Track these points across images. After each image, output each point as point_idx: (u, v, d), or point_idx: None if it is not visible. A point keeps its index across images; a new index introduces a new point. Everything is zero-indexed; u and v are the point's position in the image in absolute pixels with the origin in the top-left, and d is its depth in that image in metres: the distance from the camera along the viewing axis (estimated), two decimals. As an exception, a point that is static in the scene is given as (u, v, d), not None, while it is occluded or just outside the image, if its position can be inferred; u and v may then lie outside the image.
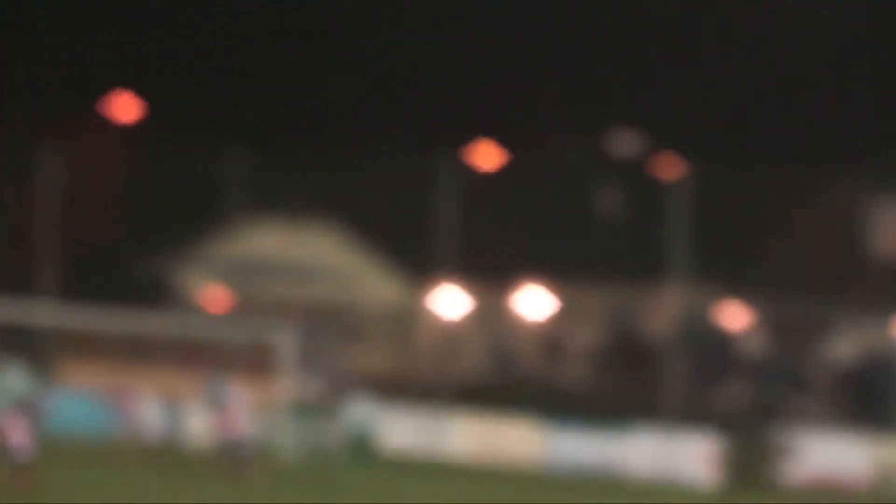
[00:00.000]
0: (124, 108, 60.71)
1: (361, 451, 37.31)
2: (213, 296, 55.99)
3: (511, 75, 66.02)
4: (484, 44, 66.00)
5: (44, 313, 45.33)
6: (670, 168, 52.53)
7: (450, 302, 53.07)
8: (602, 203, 59.41)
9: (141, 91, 61.69)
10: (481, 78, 66.37)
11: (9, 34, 64.11)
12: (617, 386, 50.61)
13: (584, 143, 63.01)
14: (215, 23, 68.11)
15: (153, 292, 53.96)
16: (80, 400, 42.53)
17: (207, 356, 43.51)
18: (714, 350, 51.94)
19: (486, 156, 57.00)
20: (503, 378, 53.95)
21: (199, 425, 40.57)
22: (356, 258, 56.20)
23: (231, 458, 32.05)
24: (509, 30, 67.13)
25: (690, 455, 39.25)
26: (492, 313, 56.01)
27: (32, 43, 65.39)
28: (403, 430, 41.73)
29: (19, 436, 29.73)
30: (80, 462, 34.03)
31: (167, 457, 36.36)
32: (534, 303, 55.59)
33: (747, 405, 49.28)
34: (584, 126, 62.54)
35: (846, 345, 52.70)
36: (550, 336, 56.21)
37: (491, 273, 53.55)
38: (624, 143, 62.02)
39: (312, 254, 54.06)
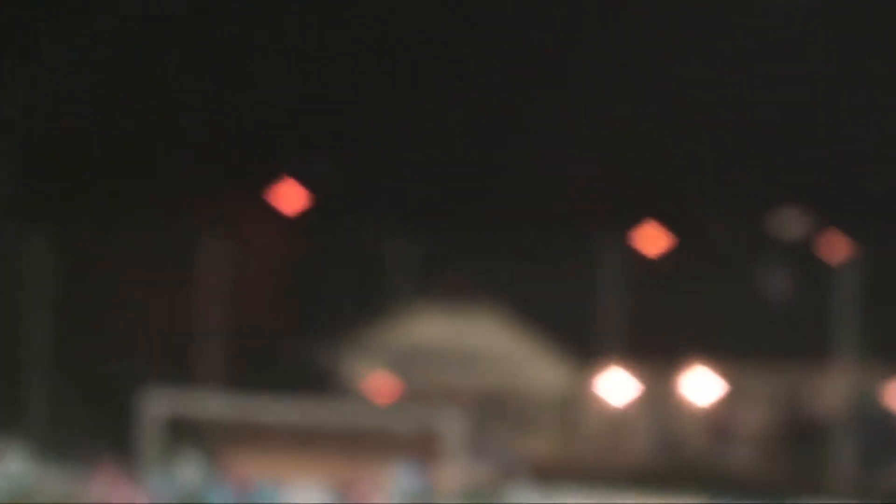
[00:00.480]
0: (289, 196, 67.88)
1: None
2: (379, 383, 61.17)
3: (678, 157, 68.75)
4: (650, 126, 68.72)
5: (211, 404, 49.65)
6: (837, 247, 56.75)
7: (616, 386, 57.60)
8: (768, 283, 62.86)
9: (304, 178, 69.31)
10: (646, 160, 68.65)
11: (165, 124, 68.46)
12: (785, 466, 54.85)
13: (749, 223, 65.71)
14: (376, 106, 72.09)
15: (319, 381, 60.38)
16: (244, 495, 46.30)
17: (373, 444, 47.67)
18: (883, 429, 54.46)
19: (652, 239, 61.86)
20: (670, 462, 57.62)
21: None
22: (521, 343, 60.79)
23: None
24: (672, 112, 68.08)
25: (860, 535, 42.71)
26: (658, 397, 60.33)
27: (192, 131, 70.03)
28: (569, 514, 49.63)
29: None
30: None
31: None
32: (700, 386, 59.25)
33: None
34: (749, 205, 66.07)
35: None
36: (717, 419, 60.88)
37: (657, 357, 57.85)
38: (789, 222, 65.17)
39: (477, 340, 59.40)
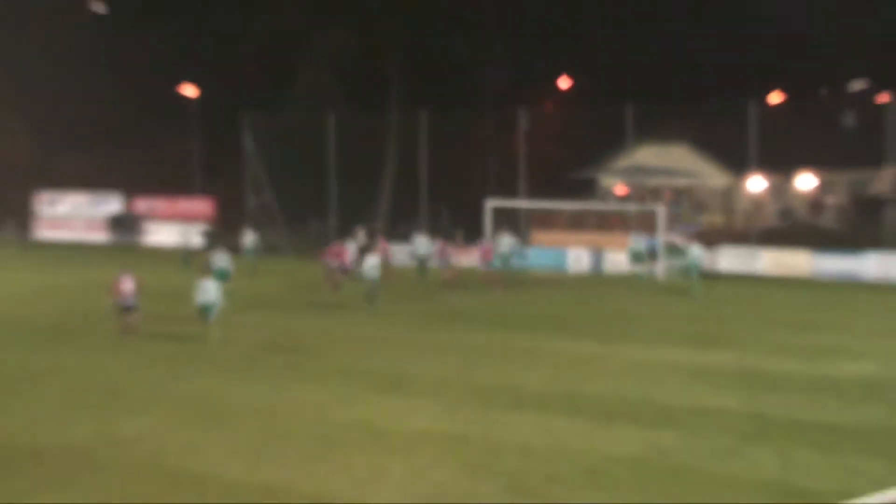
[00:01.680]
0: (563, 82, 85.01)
1: (697, 272, 45.76)
2: (619, 188, 71.55)
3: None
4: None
5: (522, 203, 60.05)
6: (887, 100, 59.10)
7: (755, 184, 64.06)
8: (845, 122, 72.99)
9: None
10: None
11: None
12: (855, 227, 61.51)
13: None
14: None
15: (587, 188, 72.30)
16: (542, 252, 58.31)
17: (617, 222, 58.88)
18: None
19: (776, 98, 70.63)
20: (786, 225, 65.64)
21: (611, 264, 55.40)
22: (704, 163, 70.91)
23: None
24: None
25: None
26: (780, 189, 70.25)
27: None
28: (728, 260, 54.02)
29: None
30: (541, 284, 52.02)
31: (591, 282, 53.37)
32: (805, 181, 69.54)
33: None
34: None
35: None
36: (814, 199, 70.23)
37: (779, 167, 65.71)
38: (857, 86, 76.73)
39: (676, 160, 69.01)
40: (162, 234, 74.66)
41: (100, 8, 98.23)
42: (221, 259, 44.14)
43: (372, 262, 41.85)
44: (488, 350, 32.49)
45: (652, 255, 52.76)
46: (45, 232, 78.77)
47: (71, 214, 79.72)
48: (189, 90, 78.25)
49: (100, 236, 75.69)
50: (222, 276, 41.00)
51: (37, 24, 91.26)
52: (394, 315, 39.94)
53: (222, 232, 62.99)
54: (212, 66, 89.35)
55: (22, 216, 78.27)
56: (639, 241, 53.19)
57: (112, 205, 77.48)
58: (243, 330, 36.23)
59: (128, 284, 34.42)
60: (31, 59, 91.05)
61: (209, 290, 32.22)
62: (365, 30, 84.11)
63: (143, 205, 77.31)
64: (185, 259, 55.04)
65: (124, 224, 75.38)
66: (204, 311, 32.58)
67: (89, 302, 40.70)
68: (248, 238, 56.64)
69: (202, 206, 76.02)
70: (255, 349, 32.59)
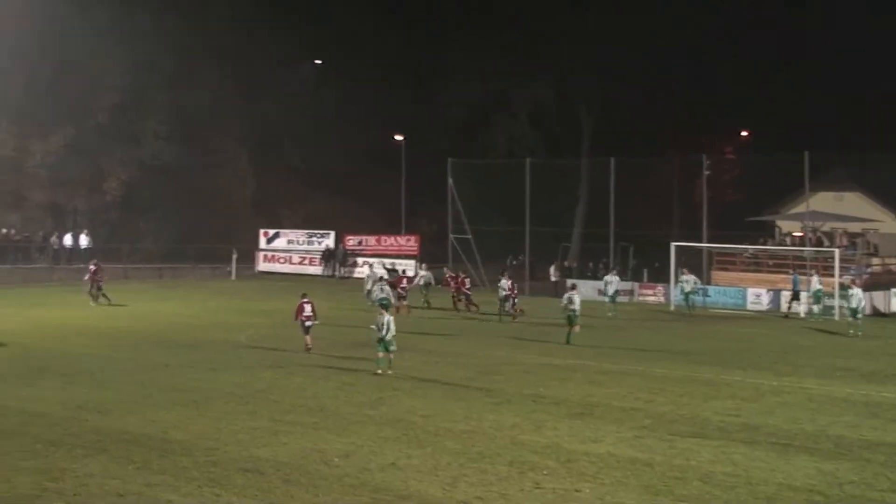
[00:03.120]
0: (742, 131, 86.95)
1: (860, 311, 46.30)
2: (795, 231, 68.39)
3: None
4: None
5: (704, 244, 62.33)
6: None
7: None
8: None
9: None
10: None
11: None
12: None
13: None
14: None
15: (765, 230, 70.82)
16: (722, 290, 60.12)
17: (792, 263, 59.15)
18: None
19: None
20: None
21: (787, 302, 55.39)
22: (877, 209, 69.11)
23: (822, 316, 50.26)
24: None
25: None
26: None
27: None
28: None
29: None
30: (721, 320, 52.51)
31: (768, 319, 53.88)
32: None
33: None
34: None
35: None
36: None
37: None
38: None
39: (850, 206, 67.00)
40: (366, 268, 73.58)
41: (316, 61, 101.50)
42: (384, 290, 48.00)
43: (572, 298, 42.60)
44: (671, 381, 32.46)
45: (819, 295, 53.43)
46: (265, 264, 78.67)
47: (289, 249, 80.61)
48: (399, 138, 79.70)
49: (314, 269, 76.68)
50: (383, 305, 43.37)
51: (270, 73, 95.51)
52: (584, 347, 40.10)
53: (395, 270, 64.93)
54: (420, 117, 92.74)
55: (246, 249, 79.64)
56: (815, 282, 54.01)
57: (326, 241, 77.31)
58: (439, 356, 37.41)
59: (307, 308, 37.42)
60: (262, 108, 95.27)
61: (385, 322, 32.35)
62: (560, 83, 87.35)
63: (352, 241, 76.40)
64: (368, 294, 54.08)
65: (335, 258, 74.67)
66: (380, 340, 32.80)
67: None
68: (423, 274, 58.22)
69: (406, 242, 77.36)
70: (452, 375, 32.07)
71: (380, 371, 31.90)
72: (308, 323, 37.16)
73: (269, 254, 79.39)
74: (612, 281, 54.44)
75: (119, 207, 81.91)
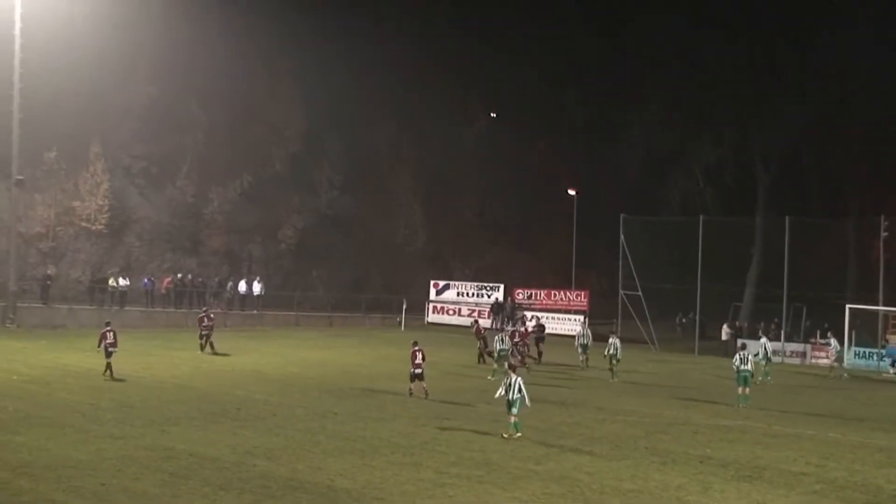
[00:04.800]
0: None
1: None
2: None
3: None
4: None
5: (881, 307, 61.23)
6: None
7: None
8: None
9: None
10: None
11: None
12: None
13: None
14: None
15: None
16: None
17: None
18: None
19: None
20: None
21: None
22: None
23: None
24: None
25: None
26: None
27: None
28: None
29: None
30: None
31: None
32: None
33: None
34: None
35: None
36: None
37: None
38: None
39: None
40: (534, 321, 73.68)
41: (493, 112, 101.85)
42: (504, 341, 49.33)
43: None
44: (844, 446, 32.12)
45: None
46: (434, 315, 79.61)
47: (458, 301, 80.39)
48: (572, 192, 78.53)
49: (483, 321, 76.71)
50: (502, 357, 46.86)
51: (445, 124, 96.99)
52: (754, 408, 40.29)
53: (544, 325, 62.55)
54: (594, 171, 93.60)
55: (416, 300, 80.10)
56: None
57: (495, 294, 77.82)
58: (607, 413, 37.60)
59: (418, 356, 39.85)
60: (436, 159, 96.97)
61: (511, 383, 31.61)
62: (738, 139, 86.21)
63: (522, 294, 76.94)
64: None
65: (504, 311, 75.27)
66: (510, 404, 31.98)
67: (470, 381, 41.41)
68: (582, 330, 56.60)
69: (576, 297, 78.09)
70: (619, 433, 32.03)
71: (505, 435, 30.99)
72: (417, 371, 39.63)
73: (439, 305, 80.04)
74: (765, 343, 54.31)
75: (293, 255, 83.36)
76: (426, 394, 39.11)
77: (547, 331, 60.83)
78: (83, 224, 72.21)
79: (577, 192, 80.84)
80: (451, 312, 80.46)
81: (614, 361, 46.41)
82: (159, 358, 49.82)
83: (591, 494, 23.71)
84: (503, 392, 31.30)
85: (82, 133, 70.72)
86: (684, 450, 30.19)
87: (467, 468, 26.11)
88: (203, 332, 52.85)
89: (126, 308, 67.87)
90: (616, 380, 45.51)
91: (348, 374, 44.47)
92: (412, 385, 39.58)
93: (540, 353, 53.84)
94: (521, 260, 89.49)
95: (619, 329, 58.32)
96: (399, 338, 65.82)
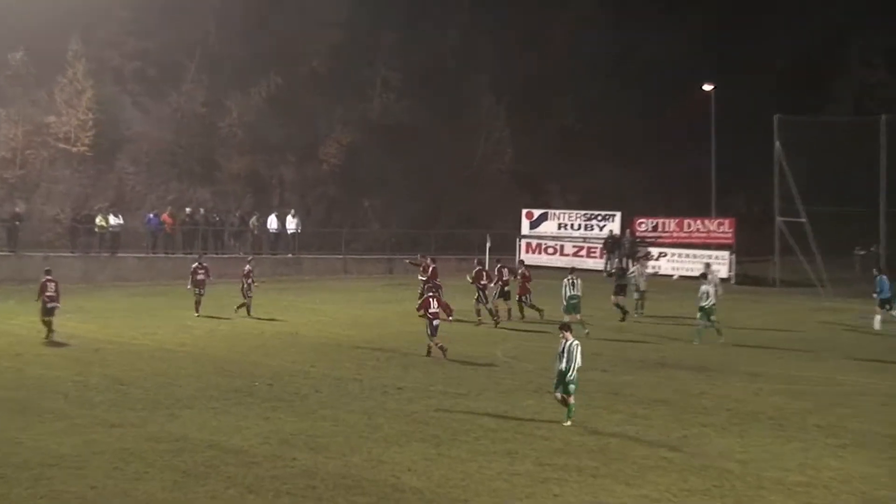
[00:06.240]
0: None
1: None
2: None
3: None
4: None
5: None
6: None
7: None
8: None
9: None
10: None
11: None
12: None
13: None
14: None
15: None
16: None
17: None
18: None
19: None
20: None
21: None
22: None
23: None
24: None
25: None
26: None
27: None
28: None
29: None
30: None
31: None
32: None
33: None
34: None
35: None
36: None
37: None
38: None
39: None
40: (668, 262, 77.56)
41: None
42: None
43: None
44: None
45: None
46: (528, 255, 78.57)
47: (560, 235, 80.00)
48: (707, 88, 77.41)
49: (593, 262, 76.31)
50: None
51: (536, 10, 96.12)
52: None
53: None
54: (735, 61, 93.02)
55: (503, 236, 78.96)
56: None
57: (609, 225, 77.10)
58: (765, 380, 38.00)
59: (433, 304, 41.71)
60: (525, 54, 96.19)
61: (567, 349, 30.53)
62: None
63: (645, 225, 76.43)
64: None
65: (621, 248, 74.61)
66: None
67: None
68: (637, 270, 59.06)
69: (718, 228, 77.92)
70: (781, 406, 31.90)
71: (567, 423, 30.08)
72: (436, 322, 41.16)
73: (534, 242, 79.75)
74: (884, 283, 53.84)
75: (337, 179, 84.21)
76: (433, 350, 41.45)
77: (680, 273, 59.82)
78: (61, 145, 72.90)
79: (713, 87, 78.96)
80: (550, 251, 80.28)
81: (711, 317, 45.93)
82: (165, 319, 50.77)
83: (745, 489, 23.55)
84: (562, 364, 30.03)
85: (57, 27, 71.13)
86: (870, 428, 29.85)
87: (577, 457, 26.00)
88: (196, 292, 54.01)
89: (119, 254, 68.77)
90: (722, 339, 44.31)
91: (415, 335, 44.18)
92: (433, 341, 41.12)
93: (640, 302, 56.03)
94: (641, 180, 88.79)
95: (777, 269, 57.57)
96: (482, 286, 64.83)
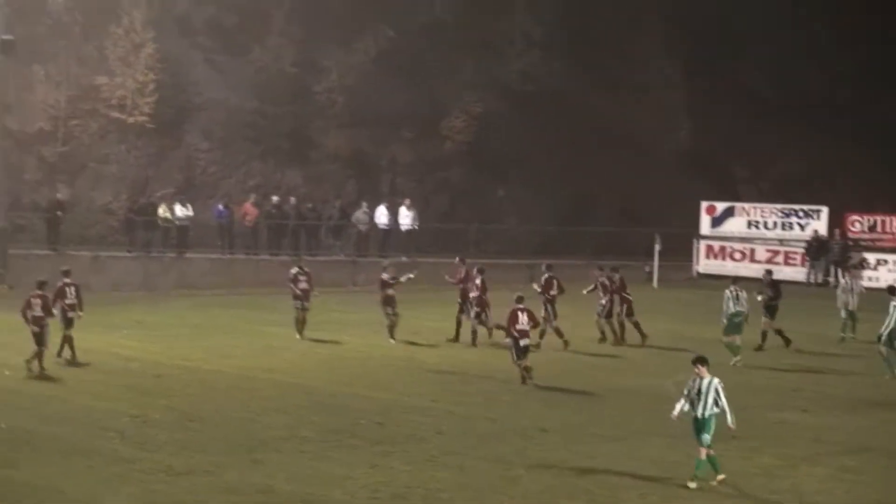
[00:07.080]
0: None
1: None
2: None
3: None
4: None
5: None
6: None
7: None
8: None
9: None
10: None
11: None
12: None
13: None
14: None
15: None
16: None
17: None
18: None
19: None
20: None
21: None
22: None
23: None
24: None
25: None
26: None
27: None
28: None
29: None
30: None
31: None
32: None
33: None
34: None
35: None
36: None
37: None
38: None
39: None
40: (889, 272, 75.05)
41: None
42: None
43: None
44: None
45: None
46: (709, 261, 79.01)
47: (750, 236, 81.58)
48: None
49: (792, 270, 75.59)
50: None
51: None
52: None
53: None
54: None
55: (677, 236, 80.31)
56: None
57: (813, 223, 76.30)
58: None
59: (522, 319, 43.01)
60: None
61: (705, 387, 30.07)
62: None
63: (860, 224, 75.69)
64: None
65: (828, 253, 74.02)
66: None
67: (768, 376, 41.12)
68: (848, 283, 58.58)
69: None
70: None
71: (692, 485, 29.40)
72: (523, 342, 42.71)
73: (717, 244, 78.89)
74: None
75: (465, 161, 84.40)
76: (526, 376, 42.81)
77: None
78: (114, 115, 72.81)
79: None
80: (737, 256, 79.32)
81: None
82: (245, 338, 51.79)
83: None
84: (684, 405, 29.83)
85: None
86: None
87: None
88: (299, 306, 53.33)
89: (188, 255, 68.18)
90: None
91: (562, 361, 44.48)
92: (521, 363, 42.78)
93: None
94: (856, 164, 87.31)
95: None
96: (650, 300, 65.48)
